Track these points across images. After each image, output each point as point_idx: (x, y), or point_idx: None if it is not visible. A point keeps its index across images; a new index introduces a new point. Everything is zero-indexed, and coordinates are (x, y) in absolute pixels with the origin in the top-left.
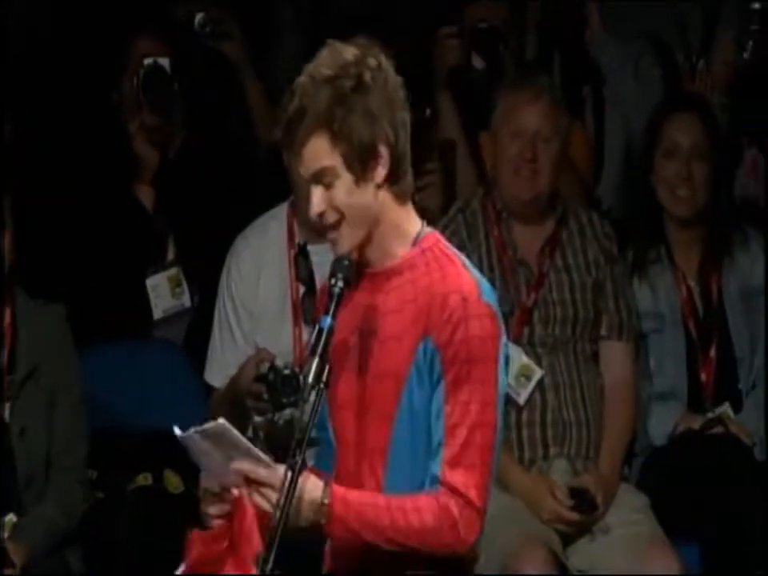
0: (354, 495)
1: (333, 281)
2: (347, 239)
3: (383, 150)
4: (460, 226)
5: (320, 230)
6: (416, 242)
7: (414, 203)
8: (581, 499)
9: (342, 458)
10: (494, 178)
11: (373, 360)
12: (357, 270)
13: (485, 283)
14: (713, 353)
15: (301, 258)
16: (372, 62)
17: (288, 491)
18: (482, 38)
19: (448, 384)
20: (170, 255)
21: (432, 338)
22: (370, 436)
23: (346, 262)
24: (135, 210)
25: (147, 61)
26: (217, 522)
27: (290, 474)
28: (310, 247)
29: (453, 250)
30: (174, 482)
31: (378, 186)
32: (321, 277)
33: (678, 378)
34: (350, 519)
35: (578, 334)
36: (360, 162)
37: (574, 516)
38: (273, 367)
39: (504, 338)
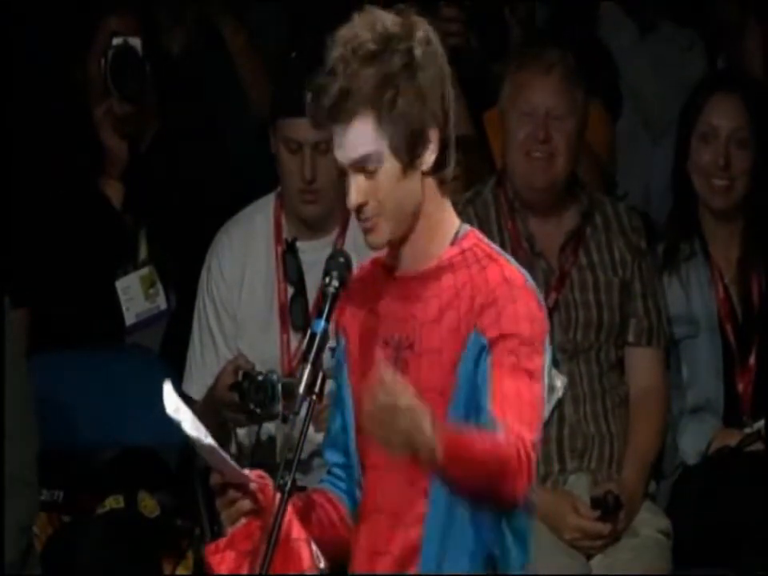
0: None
1: (327, 280)
2: (385, 231)
3: (433, 134)
4: (471, 219)
5: (312, 225)
6: (455, 240)
7: None
8: (604, 506)
9: (372, 484)
10: (505, 165)
11: (410, 377)
12: (382, 274)
13: (530, 277)
14: (752, 361)
15: (289, 255)
16: (420, 34)
17: (277, 514)
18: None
19: (494, 364)
20: (142, 253)
21: (476, 329)
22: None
23: (342, 259)
24: (100, 206)
25: (117, 41)
26: (235, 527)
27: (278, 496)
28: (299, 244)
29: (496, 249)
30: (149, 505)
31: (425, 174)
32: (311, 277)
33: (714, 390)
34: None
35: (602, 340)
36: (408, 149)
37: (600, 527)
38: (247, 375)
39: (548, 338)
